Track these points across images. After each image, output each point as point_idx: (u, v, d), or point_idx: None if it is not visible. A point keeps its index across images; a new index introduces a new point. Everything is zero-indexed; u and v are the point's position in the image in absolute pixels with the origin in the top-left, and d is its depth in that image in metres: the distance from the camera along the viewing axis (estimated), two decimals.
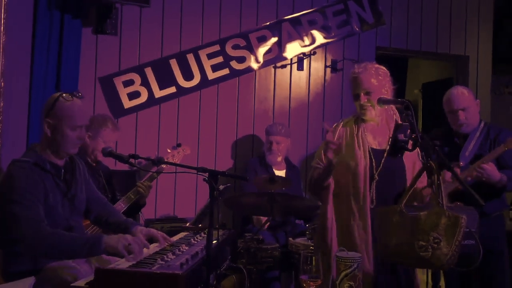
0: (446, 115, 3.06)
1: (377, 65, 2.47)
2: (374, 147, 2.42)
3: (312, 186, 2.49)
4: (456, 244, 1.80)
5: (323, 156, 2.39)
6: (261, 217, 3.60)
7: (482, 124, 3.01)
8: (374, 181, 2.35)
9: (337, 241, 2.38)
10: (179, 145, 3.47)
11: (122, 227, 2.32)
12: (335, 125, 2.51)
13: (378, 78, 2.40)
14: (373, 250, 2.30)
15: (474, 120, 2.99)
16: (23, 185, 2.07)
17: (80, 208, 2.32)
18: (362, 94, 2.39)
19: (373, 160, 2.37)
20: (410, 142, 2.09)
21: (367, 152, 2.38)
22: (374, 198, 2.35)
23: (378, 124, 2.46)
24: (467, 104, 2.96)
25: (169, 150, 3.43)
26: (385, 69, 2.48)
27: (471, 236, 1.94)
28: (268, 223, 3.41)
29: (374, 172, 2.36)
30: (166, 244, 2.17)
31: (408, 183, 2.43)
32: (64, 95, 2.18)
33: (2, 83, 2.57)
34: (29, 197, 2.06)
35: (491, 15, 5.22)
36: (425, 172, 1.96)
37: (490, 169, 2.75)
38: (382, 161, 2.37)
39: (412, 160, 2.42)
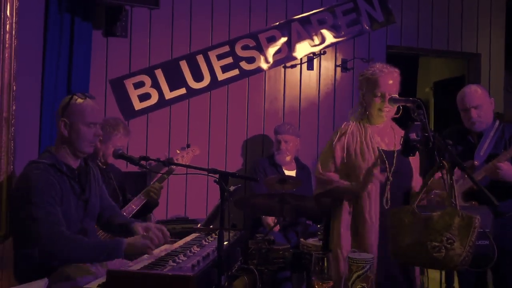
0: (460, 113, 3.03)
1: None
2: (384, 149, 2.41)
3: (328, 194, 2.45)
4: (470, 245, 1.78)
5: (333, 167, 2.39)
6: (270, 221, 3.60)
7: (497, 123, 2.98)
8: (389, 182, 2.34)
9: (350, 243, 2.37)
10: (188, 145, 3.48)
11: (123, 228, 2.33)
12: (338, 134, 2.47)
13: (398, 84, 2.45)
14: (379, 252, 2.28)
15: (487, 118, 2.96)
16: (40, 186, 2.07)
17: (93, 212, 2.33)
18: (387, 95, 2.38)
19: (386, 161, 2.36)
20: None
21: (377, 154, 2.36)
22: (388, 198, 2.34)
23: (382, 125, 2.47)
24: (480, 102, 2.93)
25: (178, 151, 3.43)
26: None
27: (485, 236, 1.91)
28: (278, 224, 3.40)
29: (388, 173, 2.35)
30: (164, 239, 2.16)
31: (415, 182, 2.44)
32: (77, 94, 2.26)
33: (14, 86, 2.59)
34: (47, 199, 2.06)
35: (503, 12, 5.16)
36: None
37: (507, 168, 2.73)
38: (394, 161, 2.37)
39: (417, 160, 2.47)
